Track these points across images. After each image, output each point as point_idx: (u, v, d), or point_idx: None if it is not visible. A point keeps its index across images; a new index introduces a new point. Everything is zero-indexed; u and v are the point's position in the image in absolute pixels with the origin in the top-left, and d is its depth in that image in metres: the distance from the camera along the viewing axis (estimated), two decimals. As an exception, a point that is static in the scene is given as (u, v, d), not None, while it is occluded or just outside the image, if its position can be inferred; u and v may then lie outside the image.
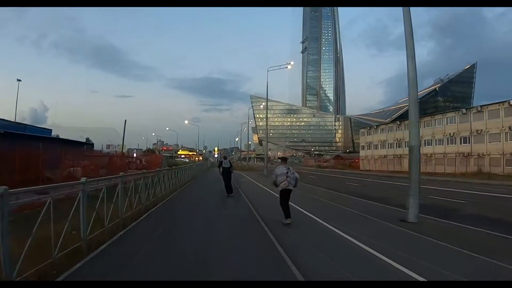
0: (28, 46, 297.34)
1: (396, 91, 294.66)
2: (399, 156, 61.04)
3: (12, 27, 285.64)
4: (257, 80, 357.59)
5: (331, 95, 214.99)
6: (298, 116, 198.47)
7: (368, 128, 73.76)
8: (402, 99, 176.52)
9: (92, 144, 62.78)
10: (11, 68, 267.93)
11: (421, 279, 5.48)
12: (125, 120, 45.92)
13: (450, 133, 52.18)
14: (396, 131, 63.18)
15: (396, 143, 62.77)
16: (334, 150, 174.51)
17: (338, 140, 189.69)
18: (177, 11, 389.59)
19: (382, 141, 66.51)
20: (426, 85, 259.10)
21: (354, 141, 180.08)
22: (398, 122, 63.16)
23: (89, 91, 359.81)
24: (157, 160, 43.56)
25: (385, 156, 64.78)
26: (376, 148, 68.67)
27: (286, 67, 45.63)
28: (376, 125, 71.32)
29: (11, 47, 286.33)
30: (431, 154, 54.62)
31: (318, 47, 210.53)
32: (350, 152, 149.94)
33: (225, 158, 18.60)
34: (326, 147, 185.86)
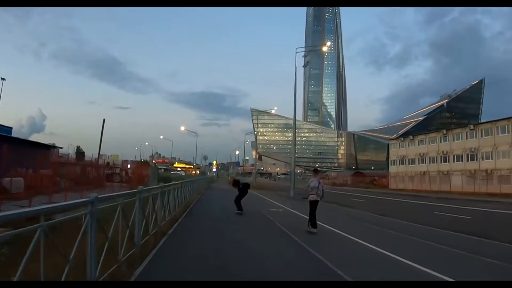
0: (28, 55, 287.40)
1: (393, 109, 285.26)
2: (445, 172, 48.13)
3: (13, 35, 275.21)
4: (255, 96, 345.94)
5: (332, 110, 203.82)
6: (299, 131, 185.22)
7: (401, 139, 60.41)
8: (407, 115, 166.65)
9: (83, 153, 54.06)
10: (10, 76, 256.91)
11: None
12: (104, 120, 33.28)
13: (521, 144, 39.52)
14: (441, 142, 50.25)
15: (441, 157, 49.86)
16: (336, 167, 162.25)
17: (340, 157, 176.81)
18: (177, 25, 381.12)
19: (421, 154, 53.51)
20: (423, 104, 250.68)
21: (357, 158, 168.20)
22: (445, 132, 50.15)
23: (87, 101, 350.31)
24: (144, 173, 31.95)
25: (424, 173, 51.71)
26: (412, 163, 55.60)
27: (321, 48, 33.63)
28: (413, 135, 57.97)
29: (12, 55, 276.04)
30: (492, 170, 41.77)
31: (320, 62, 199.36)
32: (356, 169, 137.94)
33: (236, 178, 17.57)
34: (328, 163, 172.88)
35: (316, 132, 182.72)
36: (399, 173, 56.93)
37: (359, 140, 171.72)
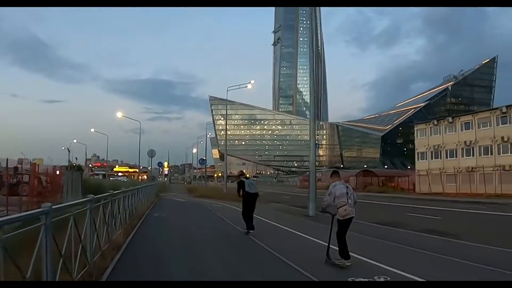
0: None
1: (380, 96, 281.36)
2: (508, 168, 39.42)
3: None
4: (214, 83, 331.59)
5: (309, 97, 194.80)
6: (270, 123, 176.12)
7: (434, 122, 50.82)
8: (401, 102, 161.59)
9: None
10: None
11: None
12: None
13: None
14: (499, 124, 41.51)
15: (501, 146, 41.17)
16: (318, 166, 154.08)
17: (322, 153, 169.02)
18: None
19: (468, 143, 44.60)
20: (415, 90, 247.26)
21: (343, 155, 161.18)
22: (504, 109, 41.10)
23: (8, 94, 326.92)
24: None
25: (472, 169, 42.94)
26: (451, 156, 46.75)
27: None
28: (453, 117, 48.78)
29: None
30: None
31: (294, 38, 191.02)
32: (342, 168, 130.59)
33: (246, 177, 14.13)
34: (307, 163, 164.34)
35: (291, 124, 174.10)
36: (433, 170, 47.97)
37: (344, 133, 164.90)
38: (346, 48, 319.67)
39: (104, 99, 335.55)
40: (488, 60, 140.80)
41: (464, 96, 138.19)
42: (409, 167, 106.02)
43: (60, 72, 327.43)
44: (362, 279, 7.25)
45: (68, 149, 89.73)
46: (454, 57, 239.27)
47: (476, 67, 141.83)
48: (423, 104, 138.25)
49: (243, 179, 13.27)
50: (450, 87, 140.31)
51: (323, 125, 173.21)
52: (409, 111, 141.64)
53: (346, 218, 7.85)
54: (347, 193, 7.99)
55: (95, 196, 7.50)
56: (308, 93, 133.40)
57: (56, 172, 28.85)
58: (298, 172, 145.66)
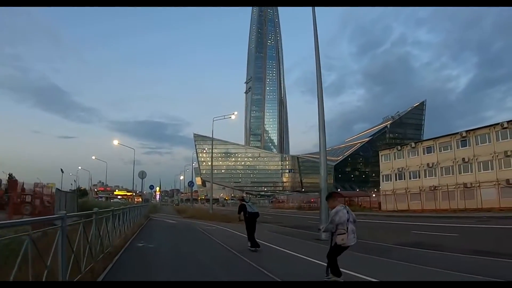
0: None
1: (329, 135, 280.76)
2: (469, 185, 34.62)
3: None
4: (197, 125, 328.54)
5: (274, 135, 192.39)
6: (243, 156, 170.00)
7: (398, 148, 46.10)
8: (349, 138, 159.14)
9: (16, 181, 45.21)
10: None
11: None
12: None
13: None
14: (459, 147, 36.94)
15: (461, 166, 36.47)
16: (281, 191, 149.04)
17: (285, 180, 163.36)
18: (119, 54, 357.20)
19: (430, 165, 39.80)
20: (357, 129, 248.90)
21: (302, 181, 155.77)
22: (464, 133, 36.66)
23: (31, 131, 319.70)
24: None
25: (435, 188, 37.97)
26: (414, 177, 41.74)
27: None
28: (415, 142, 44.24)
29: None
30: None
31: (262, 87, 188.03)
32: (303, 192, 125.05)
33: (243, 199, 12.09)
34: (272, 187, 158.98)
35: (259, 156, 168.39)
36: (397, 190, 42.72)
37: (303, 164, 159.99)
38: (302, 97, 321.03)
39: (108, 136, 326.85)
40: (418, 103, 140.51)
41: (400, 132, 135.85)
42: (357, 189, 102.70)
43: (73, 114, 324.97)
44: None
45: (62, 170, 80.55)
46: (387, 103, 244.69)
47: (409, 109, 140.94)
48: (367, 139, 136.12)
49: (244, 203, 11.50)
50: (388, 125, 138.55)
51: (286, 157, 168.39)
52: (356, 145, 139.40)
53: (345, 245, 5.92)
54: (348, 219, 5.95)
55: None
56: (273, 132, 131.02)
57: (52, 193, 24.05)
58: (265, 196, 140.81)
